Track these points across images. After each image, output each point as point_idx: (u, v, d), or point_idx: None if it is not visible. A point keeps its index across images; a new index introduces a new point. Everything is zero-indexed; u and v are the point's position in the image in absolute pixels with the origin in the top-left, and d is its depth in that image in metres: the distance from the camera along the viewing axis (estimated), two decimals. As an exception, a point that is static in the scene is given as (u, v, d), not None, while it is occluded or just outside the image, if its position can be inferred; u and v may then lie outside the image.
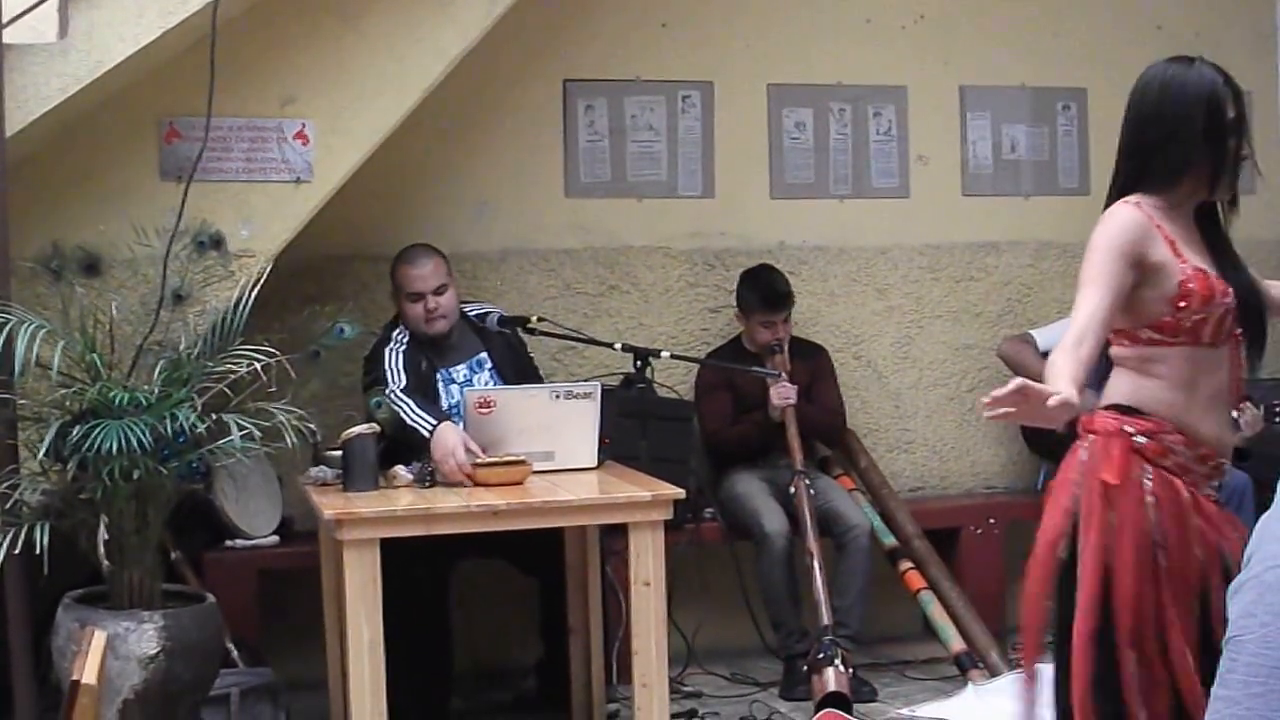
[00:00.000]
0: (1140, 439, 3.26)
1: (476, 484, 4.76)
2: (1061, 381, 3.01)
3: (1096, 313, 3.17)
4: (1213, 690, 2.29)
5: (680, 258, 6.52)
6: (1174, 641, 3.18)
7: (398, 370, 5.30)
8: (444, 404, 5.38)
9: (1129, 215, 3.29)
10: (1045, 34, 6.95)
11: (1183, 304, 3.24)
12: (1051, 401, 2.92)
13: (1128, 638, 3.18)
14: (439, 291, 5.42)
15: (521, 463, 4.80)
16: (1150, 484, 3.23)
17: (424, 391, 5.31)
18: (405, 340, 5.41)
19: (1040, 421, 2.99)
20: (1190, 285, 3.24)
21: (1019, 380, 2.92)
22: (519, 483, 4.75)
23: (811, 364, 6.27)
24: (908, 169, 6.81)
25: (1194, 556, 3.22)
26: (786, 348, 6.11)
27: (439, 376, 5.42)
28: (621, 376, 5.90)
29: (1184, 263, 3.26)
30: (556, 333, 5.66)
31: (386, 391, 5.15)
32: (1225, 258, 3.33)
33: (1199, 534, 3.25)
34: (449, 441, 4.86)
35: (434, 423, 4.98)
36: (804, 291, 6.49)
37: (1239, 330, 3.30)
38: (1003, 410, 2.92)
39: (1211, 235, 3.37)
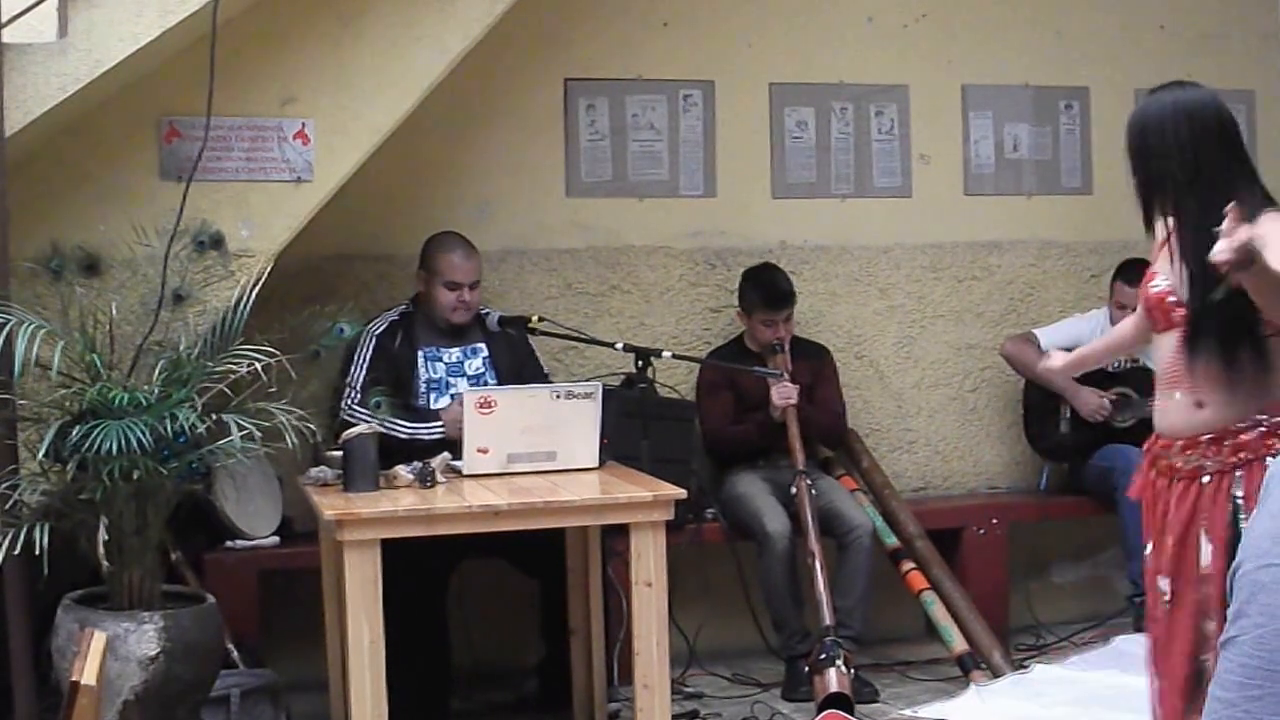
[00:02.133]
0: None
1: None
2: None
3: None
4: (1210, 690, 2.28)
5: (681, 257, 6.51)
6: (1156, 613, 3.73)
7: (361, 365, 5.47)
8: (421, 378, 5.56)
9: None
10: (1048, 33, 6.94)
11: None
12: None
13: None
14: (473, 287, 5.61)
15: None
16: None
17: (395, 375, 5.45)
18: (380, 328, 5.56)
19: None
20: None
21: None
22: None
23: (813, 364, 6.26)
24: (910, 168, 6.80)
25: (1164, 543, 3.66)
26: (788, 347, 6.10)
27: (420, 354, 5.51)
28: (623, 376, 5.90)
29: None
30: (557, 332, 5.65)
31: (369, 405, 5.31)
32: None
33: (1168, 520, 3.67)
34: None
35: (433, 423, 5.39)
36: (806, 291, 6.48)
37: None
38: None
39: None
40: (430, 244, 5.69)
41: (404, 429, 5.35)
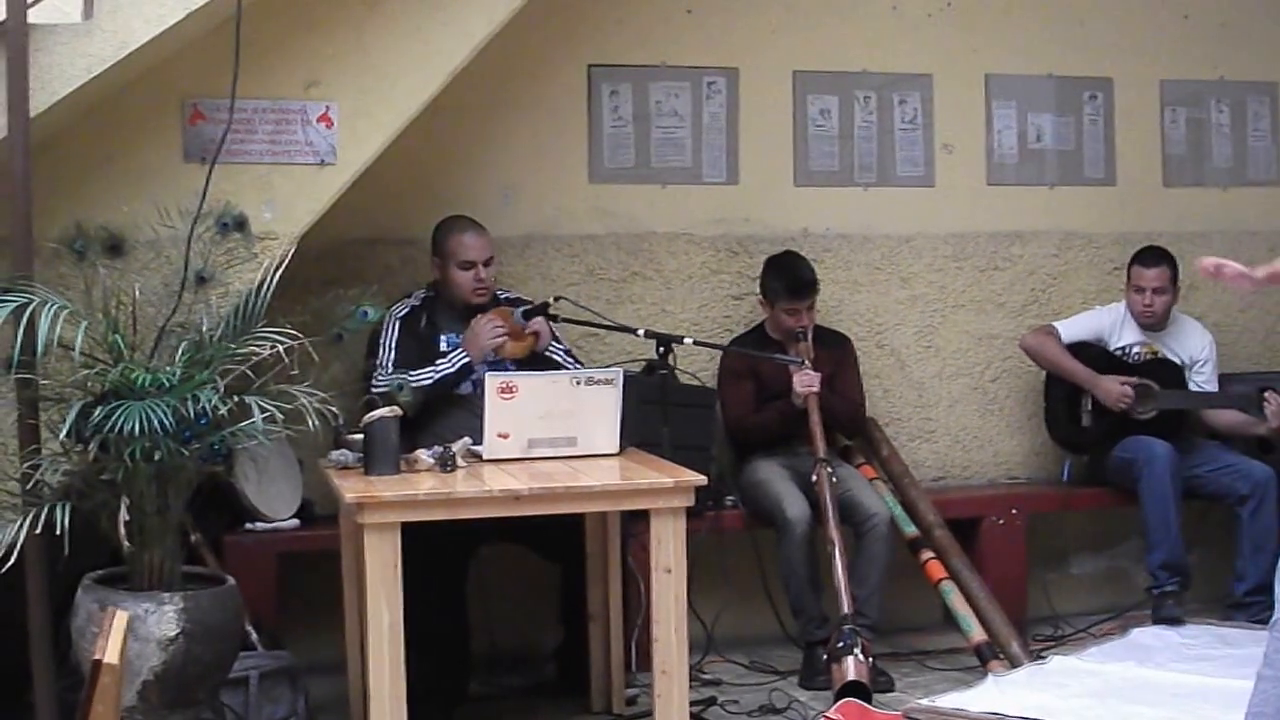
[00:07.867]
0: None
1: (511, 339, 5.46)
2: None
3: None
4: (1259, 670, 2.27)
5: (704, 244, 6.51)
6: None
7: (389, 347, 5.46)
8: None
9: None
10: (1072, 23, 6.92)
11: None
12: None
13: None
14: (488, 263, 5.59)
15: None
16: None
17: (421, 357, 5.44)
18: (403, 312, 5.55)
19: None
20: None
21: None
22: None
23: (835, 353, 6.25)
24: (933, 157, 6.79)
25: None
26: (810, 335, 6.09)
27: (444, 339, 5.51)
28: (644, 363, 5.89)
29: None
30: (579, 318, 5.65)
31: (391, 377, 5.25)
32: None
33: None
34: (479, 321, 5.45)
35: (448, 362, 5.42)
36: (827, 280, 6.47)
37: None
38: None
39: None
40: (440, 229, 5.68)
41: (428, 375, 5.35)
